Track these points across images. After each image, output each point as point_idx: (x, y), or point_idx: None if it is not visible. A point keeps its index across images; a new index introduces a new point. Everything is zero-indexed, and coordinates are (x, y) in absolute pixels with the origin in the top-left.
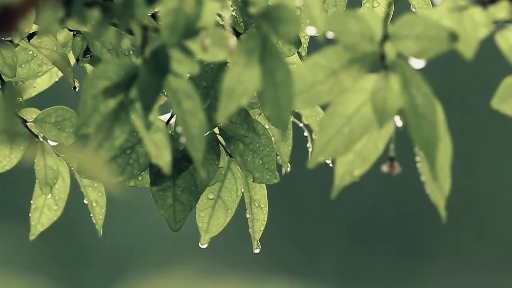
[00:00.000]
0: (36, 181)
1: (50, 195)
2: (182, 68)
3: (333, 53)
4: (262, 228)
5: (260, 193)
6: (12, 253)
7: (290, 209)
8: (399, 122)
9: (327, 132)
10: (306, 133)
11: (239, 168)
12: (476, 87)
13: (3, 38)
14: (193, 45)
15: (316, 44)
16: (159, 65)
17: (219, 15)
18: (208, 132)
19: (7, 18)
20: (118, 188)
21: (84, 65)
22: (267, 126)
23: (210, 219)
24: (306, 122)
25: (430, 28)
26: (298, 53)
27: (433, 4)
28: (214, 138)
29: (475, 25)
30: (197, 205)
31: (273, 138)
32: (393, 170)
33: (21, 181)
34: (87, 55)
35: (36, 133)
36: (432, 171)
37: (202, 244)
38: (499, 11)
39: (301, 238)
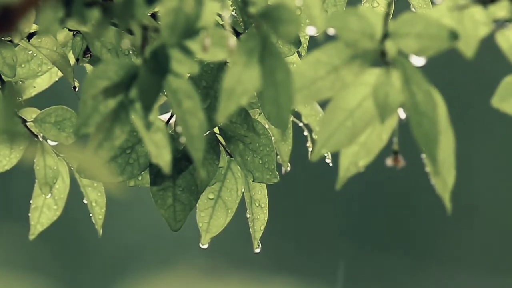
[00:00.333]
0: (36, 181)
1: (49, 195)
2: (182, 68)
3: (334, 49)
4: (262, 228)
5: (260, 192)
6: (11, 253)
7: (290, 209)
8: (402, 115)
9: (329, 125)
10: (306, 133)
11: (239, 168)
12: (476, 86)
13: (3, 38)
14: (193, 45)
15: (315, 44)
16: (159, 65)
17: (219, 15)
18: (208, 132)
19: (7, 18)
20: (118, 188)
21: (84, 65)
22: (267, 126)
23: (211, 219)
24: (306, 122)
25: (431, 26)
26: (298, 52)
27: (433, 4)
28: (214, 138)
29: (475, 24)
30: (197, 205)
31: (273, 138)
32: (397, 163)
33: (21, 181)
34: (87, 55)
35: (36, 133)
36: (433, 167)
37: (202, 244)
38: (499, 10)
39: (301, 238)
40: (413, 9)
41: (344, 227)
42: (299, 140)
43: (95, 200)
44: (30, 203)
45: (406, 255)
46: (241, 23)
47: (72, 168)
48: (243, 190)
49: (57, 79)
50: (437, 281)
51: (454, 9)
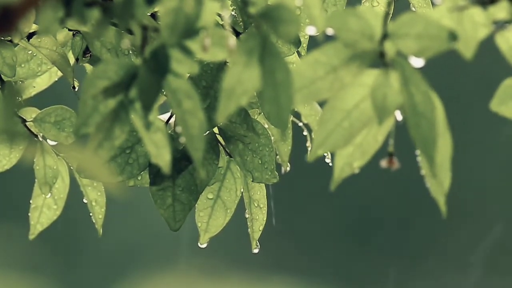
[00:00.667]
0: (36, 180)
1: (49, 194)
2: (182, 68)
3: (333, 49)
4: (261, 228)
5: (259, 193)
6: (11, 253)
7: (290, 209)
8: (399, 116)
9: (326, 126)
10: (305, 133)
11: (238, 168)
12: (475, 88)
13: (3, 38)
14: (193, 45)
15: (315, 44)
16: (159, 65)
17: (219, 15)
18: (207, 132)
19: (7, 18)
20: (117, 187)
21: (84, 64)
22: (266, 126)
23: (210, 218)
24: (305, 122)
25: (430, 27)
26: (298, 52)
27: (433, 4)
28: (214, 138)
29: (475, 25)
30: (196, 205)
31: (272, 138)
32: (392, 165)
33: (21, 180)
34: (87, 55)
35: (35, 133)
36: (431, 169)
37: (201, 244)
38: (499, 12)
39: (301, 238)
40: (413, 9)
41: (344, 227)
42: (299, 140)
43: (95, 200)
44: (30, 203)
45: (405, 255)
46: (241, 23)
47: (71, 168)
48: (242, 190)
49: (56, 79)
50: (437, 281)
51: (453, 10)
